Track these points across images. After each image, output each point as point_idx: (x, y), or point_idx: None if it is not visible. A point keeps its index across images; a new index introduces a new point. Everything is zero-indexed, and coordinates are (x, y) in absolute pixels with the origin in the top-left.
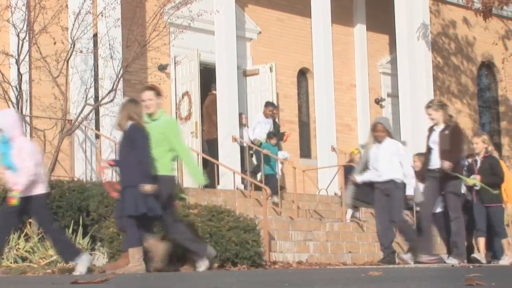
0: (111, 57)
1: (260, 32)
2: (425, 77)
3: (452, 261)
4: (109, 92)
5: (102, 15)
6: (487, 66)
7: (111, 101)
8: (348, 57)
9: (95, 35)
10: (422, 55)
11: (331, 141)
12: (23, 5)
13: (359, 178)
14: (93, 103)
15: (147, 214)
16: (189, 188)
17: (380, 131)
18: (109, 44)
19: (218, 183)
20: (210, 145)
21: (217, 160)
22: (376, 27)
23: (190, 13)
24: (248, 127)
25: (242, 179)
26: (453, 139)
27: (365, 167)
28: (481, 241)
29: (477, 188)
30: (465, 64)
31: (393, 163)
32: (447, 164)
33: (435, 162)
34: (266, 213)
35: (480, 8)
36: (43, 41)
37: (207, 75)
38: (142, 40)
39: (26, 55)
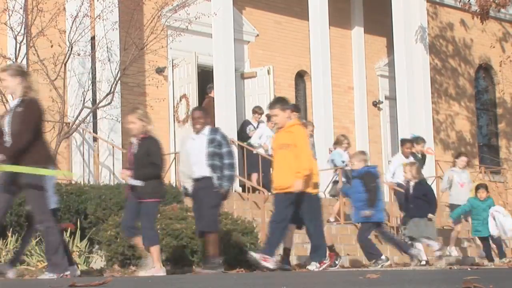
0: (109, 60)
1: (257, 35)
2: (422, 79)
3: (48, 276)
4: (107, 95)
5: (99, 18)
6: (485, 69)
7: (109, 104)
8: (346, 59)
9: (93, 38)
10: (420, 58)
11: (329, 144)
12: (21, 8)
13: None
14: (90, 106)
15: None
16: None
17: None
18: (107, 47)
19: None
20: None
21: None
22: (373, 29)
23: (187, 16)
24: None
25: (239, 181)
26: (24, 118)
27: None
28: (153, 249)
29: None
30: (463, 67)
31: None
32: None
33: None
34: (264, 215)
35: (477, 11)
36: (40, 44)
37: (205, 77)
38: (139, 43)
39: (23, 58)
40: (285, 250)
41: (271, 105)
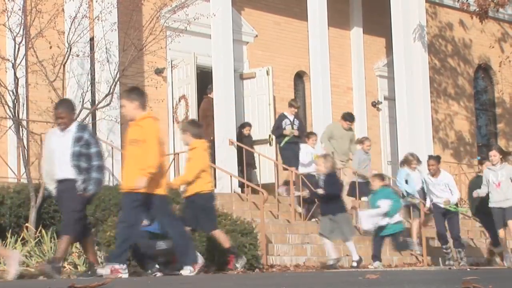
0: (108, 61)
1: (256, 36)
2: (421, 79)
3: None
4: (106, 96)
5: (98, 19)
6: (484, 69)
7: (108, 105)
8: (345, 60)
9: (92, 39)
10: (419, 57)
11: None
12: (19, 9)
13: None
14: (89, 107)
15: None
16: None
17: None
18: (106, 48)
19: (215, 187)
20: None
21: (214, 163)
22: (372, 30)
23: (186, 16)
24: None
25: (239, 182)
26: None
27: None
28: None
29: None
30: (462, 66)
31: None
32: None
33: None
34: (263, 216)
35: (476, 10)
36: (39, 45)
37: (204, 78)
38: (138, 43)
39: (22, 59)
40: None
41: (121, 96)
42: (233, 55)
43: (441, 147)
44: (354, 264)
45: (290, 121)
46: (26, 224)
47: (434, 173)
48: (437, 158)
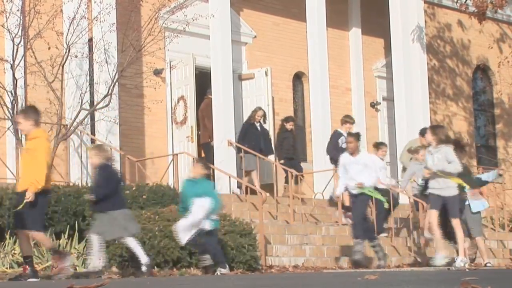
0: (106, 62)
1: (255, 36)
2: (420, 79)
3: None
4: (105, 96)
5: (97, 20)
6: (482, 69)
7: (107, 105)
8: (343, 61)
9: (90, 40)
10: (417, 58)
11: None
12: (18, 10)
13: None
14: (88, 107)
15: None
16: None
17: None
18: (104, 49)
19: (214, 187)
20: (206, 149)
21: (213, 164)
22: (371, 30)
23: (185, 17)
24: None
25: (238, 183)
26: None
27: None
28: None
29: None
30: (461, 67)
31: None
32: None
33: None
34: (262, 217)
35: (475, 11)
36: (38, 46)
37: (203, 79)
38: (137, 44)
39: (21, 60)
40: (26, 260)
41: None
42: (231, 56)
43: None
44: (144, 268)
45: (346, 138)
46: None
47: (353, 152)
48: (357, 136)
